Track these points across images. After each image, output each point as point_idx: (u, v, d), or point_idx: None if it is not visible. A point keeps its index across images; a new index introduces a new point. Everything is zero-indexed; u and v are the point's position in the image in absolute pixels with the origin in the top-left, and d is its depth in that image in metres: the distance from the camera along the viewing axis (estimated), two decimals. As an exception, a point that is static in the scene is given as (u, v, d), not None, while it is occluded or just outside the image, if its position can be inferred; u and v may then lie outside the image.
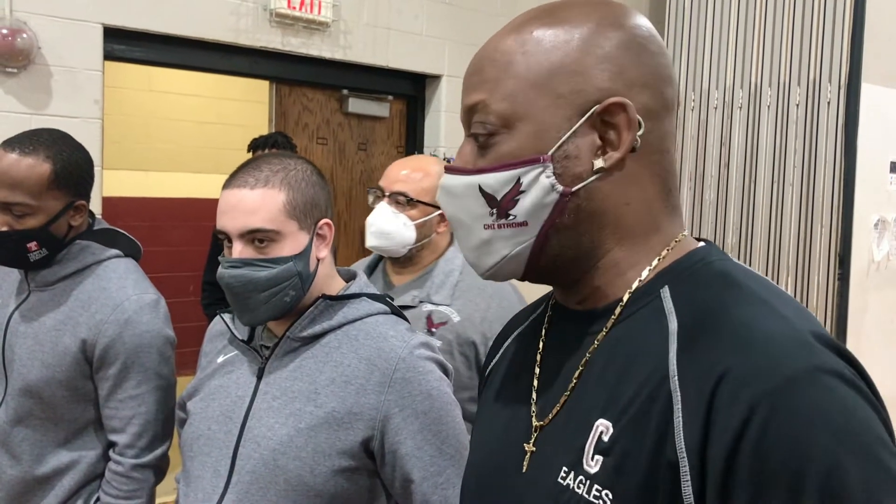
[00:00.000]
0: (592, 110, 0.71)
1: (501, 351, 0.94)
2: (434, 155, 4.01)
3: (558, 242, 0.73)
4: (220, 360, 1.38)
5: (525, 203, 0.72)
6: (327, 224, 1.33)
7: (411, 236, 1.84)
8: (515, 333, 0.93)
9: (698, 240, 0.78)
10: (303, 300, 1.30)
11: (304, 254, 1.28)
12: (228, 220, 1.26)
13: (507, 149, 0.72)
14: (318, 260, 1.32)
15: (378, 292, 1.40)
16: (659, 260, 0.74)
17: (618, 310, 0.73)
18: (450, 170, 0.77)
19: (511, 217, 0.72)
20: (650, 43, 0.74)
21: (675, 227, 0.76)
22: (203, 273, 3.57)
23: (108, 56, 3.14)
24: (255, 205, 1.24)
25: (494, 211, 0.73)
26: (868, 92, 3.48)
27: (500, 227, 0.73)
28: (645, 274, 0.73)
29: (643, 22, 0.75)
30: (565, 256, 0.74)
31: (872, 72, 3.48)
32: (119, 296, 1.60)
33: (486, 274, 0.77)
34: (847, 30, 3.46)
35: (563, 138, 0.71)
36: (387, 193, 1.88)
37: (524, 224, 0.72)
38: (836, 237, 3.50)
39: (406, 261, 1.90)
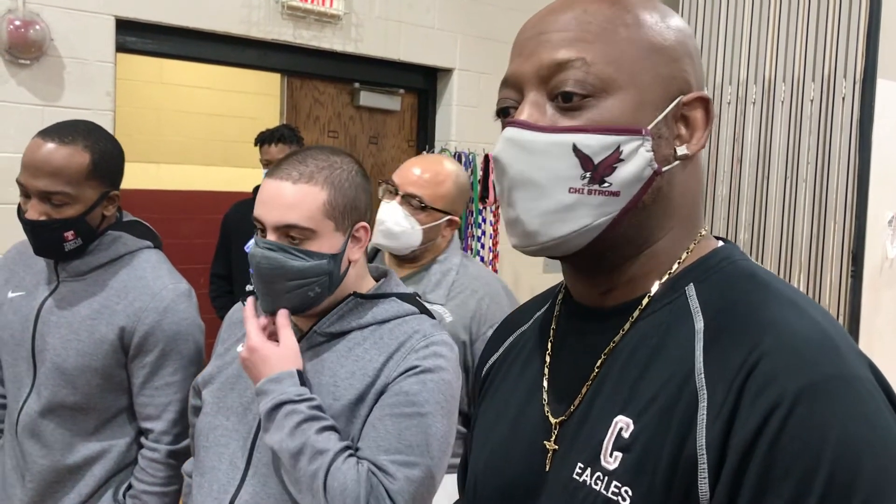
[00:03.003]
0: (679, 99, 0.72)
1: (503, 349, 0.91)
2: (445, 150, 4.00)
3: (630, 220, 0.71)
4: (240, 349, 1.36)
5: (623, 172, 0.69)
6: (364, 227, 1.32)
7: (418, 239, 1.86)
8: (519, 332, 0.91)
9: (716, 238, 0.78)
10: (329, 299, 1.29)
11: (339, 255, 1.27)
12: (266, 212, 1.25)
13: (607, 113, 0.69)
14: (350, 262, 1.31)
15: (408, 291, 1.39)
16: (688, 254, 0.74)
17: (645, 300, 0.73)
18: (521, 124, 0.70)
19: (606, 184, 0.68)
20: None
21: (700, 222, 0.77)
22: (211, 265, 3.58)
23: (120, 48, 3.15)
24: (295, 200, 1.23)
25: (588, 174, 0.68)
26: (883, 88, 3.44)
27: (590, 192, 0.68)
28: (675, 267, 0.73)
29: None
30: (627, 236, 0.72)
31: (888, 67, 3.45)
32: (157, 284, 1.62)
33: (549, 244, 0.70)
34: (863, 25, 3.43)
35: (660, 117, 0.71)
36: (400, 193, 1.87)
37: (616, 194, 0.69)
38: (850, 234, 3.47)
39: (406, 259, 1.92)
